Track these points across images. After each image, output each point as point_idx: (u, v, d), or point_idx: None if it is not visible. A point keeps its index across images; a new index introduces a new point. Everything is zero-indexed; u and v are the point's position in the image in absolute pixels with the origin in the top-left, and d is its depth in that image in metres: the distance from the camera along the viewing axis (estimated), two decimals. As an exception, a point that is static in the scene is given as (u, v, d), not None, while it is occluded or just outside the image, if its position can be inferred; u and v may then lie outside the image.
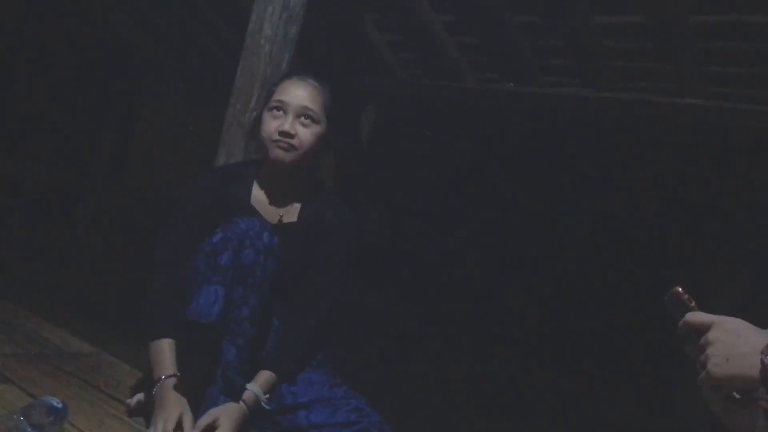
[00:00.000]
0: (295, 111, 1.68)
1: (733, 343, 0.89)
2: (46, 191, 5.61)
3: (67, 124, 5.67)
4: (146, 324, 1.62)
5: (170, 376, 1.54)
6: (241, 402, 1.53)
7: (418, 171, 4.66)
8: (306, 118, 1.68)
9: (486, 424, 3.08)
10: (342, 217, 1.76)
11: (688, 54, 3.08)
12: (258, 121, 1.75)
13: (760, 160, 3.42)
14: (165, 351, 1.57)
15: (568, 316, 4.12)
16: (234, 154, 2.26)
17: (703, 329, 0.94)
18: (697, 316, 0.96)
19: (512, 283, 4.36)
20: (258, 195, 1.74)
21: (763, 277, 3.35)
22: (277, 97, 1.71)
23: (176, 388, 1.52)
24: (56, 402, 1.39)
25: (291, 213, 1.74)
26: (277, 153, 1.66)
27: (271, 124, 1.68)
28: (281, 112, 1.68)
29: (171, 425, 1.46)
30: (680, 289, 1.00)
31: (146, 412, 1.59)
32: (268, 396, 1.56)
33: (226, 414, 1.49)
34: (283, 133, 1.66)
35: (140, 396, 1.66)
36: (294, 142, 1.66)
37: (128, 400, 1.67)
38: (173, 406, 1.49)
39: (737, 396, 0.89)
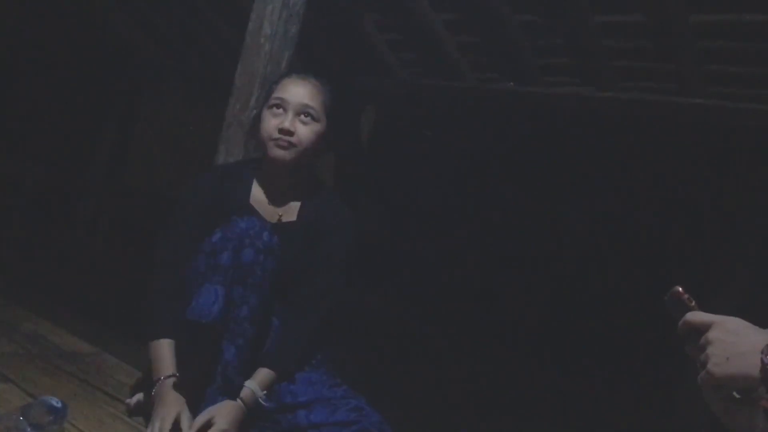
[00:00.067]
0: (295, 109, 1.68)
1: (733, 342, 0.89)
2: (46, 191, 5.61)
3: (67, 123, 5.68)
4: (146, 324, 1.62)
5: (169, 376, 1.54)
6: (238, 399, 1.53)
7: (418, 171, 4.66)
8: (306, 116, 1.68)
9: (486, 424, 3.08)
10: (341, 216, 1.76)
11: (688, 53, 3.07)
12: (257, 120, 1.75)
13: (760, 160, 3.42)
14: (165, 351, 1.57)
15: (568, 316, 4.12)
16: (234, 154, 2.26)
17: (703, 329, 0.94)
18: (697, 316, 0.96)
19: (512, 283, 4.36)
20: (257, 194, 1.74)
21: (763, 277, 3.35)
22: (277, 94, 1.71)
23: (175, 387, 1.52)
24: (56, 402, 1.39)
25: (290, 212, 1.74)
26: (276, 152, 1.66)
27: (271, 122, 1.68)
28: (281, 110, 1.68)
29: (168, 425, 1.46)
30: (680, 288, 1.00)
31: (146, 412, 1.59)
32: (265, 392, 1.56)
33: (222, 411, 1.49)
34: (283, 131, 1.65)
35: (140, 396, 1.66)
36: (293, 139, 1.66)
37: (128, 400, 1.68)
38: (171, 405, 1.49)
39: (737, 396, 0.89)
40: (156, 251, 1.69)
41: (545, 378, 3.89)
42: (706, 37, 3.00)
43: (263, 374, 1.58)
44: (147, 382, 1.62)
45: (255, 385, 1.55)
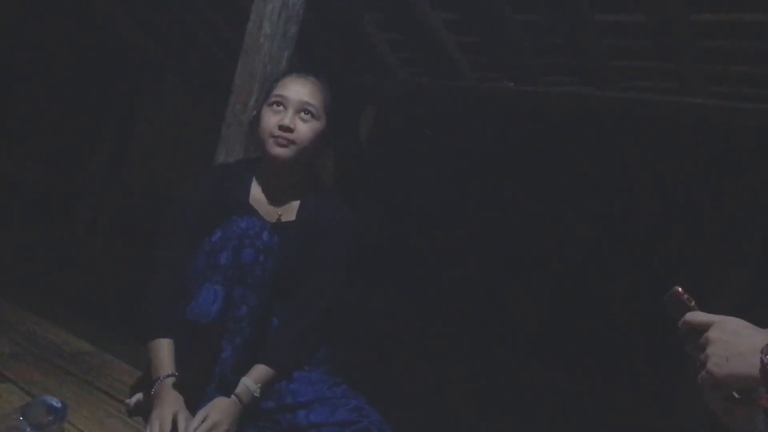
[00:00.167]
0: (294, 106, 1.68)
1: (733, 342, 0.89)
2: (45, 191, 5.61)
3: (66, 123, 5.68)
4: (145, 323, 1.62)
5: (168, 376, 1.54)
6: (232, 396, 1.53)
7: (418, 170, 4.66)
8: (306, 114, 1.68)
9: (486, 424, 3.08)
10: (341, 215, 1.76)
11: (688, 53, 3.07)
12: (257, 118, 1.75)
13: (760, 160, 3.42)
14: (164, 350, 1.57)
15: (569, 315, 4.12)
16: (234, 153, 2.25)
17: (702, 329, 0.94)
18: (697, 316, 0.96)
19: (512, 283, 4.36)
20: (256, 194, 1.74)
21: (762, 277, 3.35)
22: (277, 92, 1.71)
23: (175, 387, 1.52)
24: (56, 402, 1.39)
25: (289, 211, 1.74)
26: (276, 149, 1.66)
27: (271, 119, 1.68)
28: (281, 107, 1.68)
29: (167, 425, 1.46)
30: (680, 289, 1.00)
31: (145, 411, 1.59)
32: (259, 386, 1.55)
33: (216, 408, 1.49)
34: (283, 128, 1.65)
35: (139, 396, 1.66)
36: (293, 136, 1.66)
37: (128, 400, 1.67)
38: (169, 405, 1.49)
39: (737, 395, 0.89)
40: (155, 251, 1.69)
41: (545, 378, 3.89)
42: (707, 37, 3.00)
43: (259, 370, 1.57)
44: (146, 382, 1.62)
45: (250, 381, 1.55)
